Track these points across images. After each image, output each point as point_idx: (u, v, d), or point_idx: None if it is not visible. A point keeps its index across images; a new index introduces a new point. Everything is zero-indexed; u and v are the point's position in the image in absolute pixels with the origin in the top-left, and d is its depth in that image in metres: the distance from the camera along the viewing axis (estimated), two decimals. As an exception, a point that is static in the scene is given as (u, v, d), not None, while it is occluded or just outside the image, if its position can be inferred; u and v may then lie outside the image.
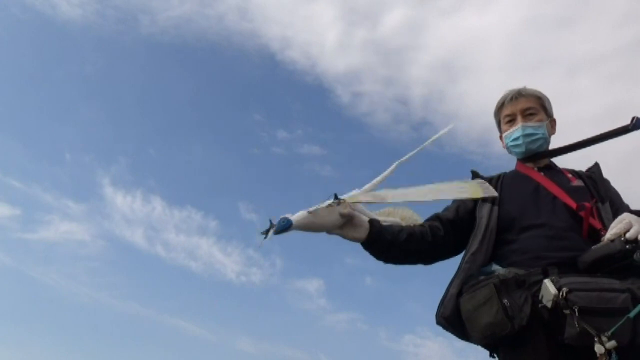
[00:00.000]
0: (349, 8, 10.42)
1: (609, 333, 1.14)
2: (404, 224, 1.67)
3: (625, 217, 1.33)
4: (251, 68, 10.91)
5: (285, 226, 1.41)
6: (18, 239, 9.99)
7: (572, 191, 1.52)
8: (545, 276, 1.30)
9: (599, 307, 1.19)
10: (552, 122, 1.72)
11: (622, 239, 1.26)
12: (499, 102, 1.75)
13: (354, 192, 1.62)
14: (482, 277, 1.40)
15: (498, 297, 1.30)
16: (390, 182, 1.76)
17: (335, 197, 1.43)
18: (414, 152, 1.78)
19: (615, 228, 1.30)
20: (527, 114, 1.66)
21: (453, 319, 1.43)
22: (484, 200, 1.60)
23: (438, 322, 1.47)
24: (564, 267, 1.34)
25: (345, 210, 1.48)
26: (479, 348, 1.43)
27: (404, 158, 1.77)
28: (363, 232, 1.48)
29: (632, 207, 1.55)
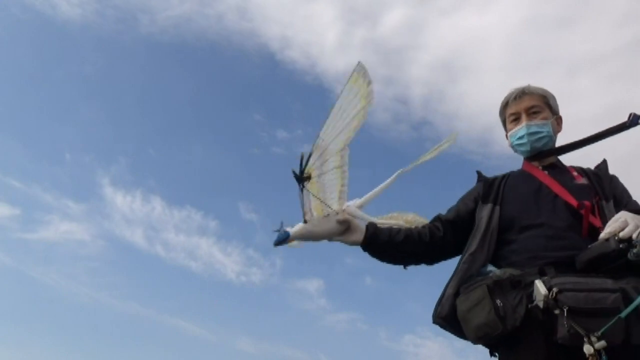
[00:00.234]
0: (348, 8, 10.41)
1: (599, 333, 1.14)
2: (409, 227, 1.70)
3: (621, 215, 1.32)
4: (251, 68, 10.91)
5: (283, 237, 1.51)
6: (18, 238, 10.00)
7: (575, 189, 1.51)
8: (542, 276, 1.31)
9: (587, 307, 1.19)
10: (558, 120, 1.71)
11: (616, 238, 1.25)
12: (503, 101, 1.75)
13: (355, 200, 1.68)
14: (478, 278, 1.42)
15: (490, 298, 1.31)
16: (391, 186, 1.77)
17: (302, 171, 1.46)
18: (416, 163, 1.80)
19: (610, 227, 1.30)
20: (531, 113, 1.66)
21: (450, 318, 1.45)
22: (486, 201, 1.60)
23: (435, 322, 1.50)
24: (562, 266, 1.34)
25: (342, 217, 1.57)
26: (479, 348, 1.44)
27: (405, 169, 1.80)
28: (360, 236, 1.58)
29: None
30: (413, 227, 1.70)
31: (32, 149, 10.85)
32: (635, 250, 1.19)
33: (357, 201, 1.72)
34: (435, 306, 1.50)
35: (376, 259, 1.63)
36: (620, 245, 1.23)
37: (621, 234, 1.25)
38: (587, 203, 1.43)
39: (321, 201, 1.56)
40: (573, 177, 1.59)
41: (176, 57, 11.25)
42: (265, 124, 10.76)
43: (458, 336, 1.48)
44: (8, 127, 10.60)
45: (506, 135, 1.76)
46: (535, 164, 1.67)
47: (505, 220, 1.53)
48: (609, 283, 1.23)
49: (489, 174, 1.75)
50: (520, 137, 1.66)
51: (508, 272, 1.38)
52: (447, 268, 1.65)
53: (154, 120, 11.47)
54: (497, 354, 1.41)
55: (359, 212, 1.68)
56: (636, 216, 1.27)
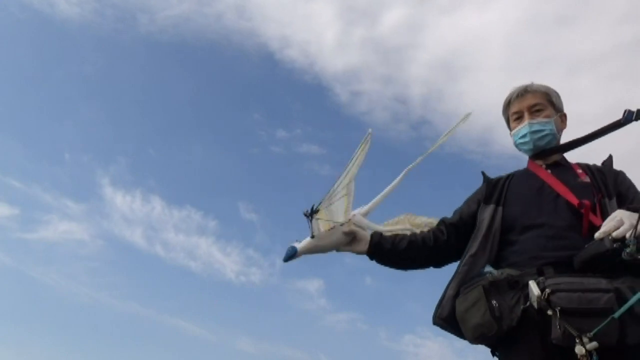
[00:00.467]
0: (347, 6, 10.38)
1: (591, 334, 1.14)
2: (417, 230, 1.74)
3: (617, 214, 1.31)
4: (250, 67, 10.88)
5: (291, 253, 1.58)
6: (17, 238, 9.98)
7: (577, 188, 1.50)
8: (541, 276, 1.31)
9: (580, 307, 1.19)
10: (562, 117, 1.69)
11: (610, 237, 1.24)
12: (506, 100, 1.74)
13: (361, 208, 1.70)
14: (475, 279, 1.43)
15: (486, 298, 1.32)
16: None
17: (311, 210, 1.56)
18: (423, 156, 1.81)
19: (605, 226, 1.29)
20: (534, 111, 1.65)
21: (450, 319, 1.46)
22: (488, 202, 1.60)
23: (435, 323, 1.51)
24: (561, 266, 1.33)
25: (348, 228, 1.62)
26: (479, 348, 1.45)
27: (411, 166, 1.80)
28: (365, 245, 1.63)
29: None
30: (419, 231, 1.72)
31: (31, 149, 10.82)
32: (628, 250, 1.18)
33: (363, 208, 1.76)
34: (436, 307, 1.51)
35: (384, 266, 1.67)
36: (614, 245, 1.22)
37: (614, 234, 1.24)
38: (586, 202, 1.42)
39: (329, 221, 1.61)
40: (577, 175, 1.57)
41: (175, 56, 11.23)
42: (264, 124, 10.74)
43: (458, 336, 1.49)
44: (7, 127, 10.58)
45: (510, 134, 1.75)
46: (539, 162, 1.66)
47: (508, 221, 1.53)
48: (603, 283, 1.22)
49: (490, 173, 1.74)
50: (523, 136, 1.65)
51: (506, 272, 1.38)
52: (447, 269, 1.66)
53: (153, 119, 11.44)
54: (497, 354, 1.41)
55: (365, 221, 1.72)
56: (633, 214, 1.26)
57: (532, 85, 1.69)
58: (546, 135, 1.63)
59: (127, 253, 10.48)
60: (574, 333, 1.16)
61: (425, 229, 1.74)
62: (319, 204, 1.56)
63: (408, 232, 1.73)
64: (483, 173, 1.74)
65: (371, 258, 1.66)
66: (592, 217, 1.40)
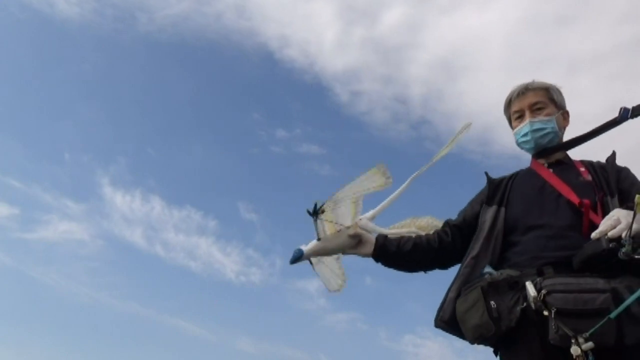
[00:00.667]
0: (347, 6, 10.38)
1: (587, 334, 1.14)
2: (423, 233, 1.76)
3: (614, 213, 1.30)
4: (250, 67, 10.88)
5: (297, 256, 1.61)
6: (17, 238, 9.99)
7: (579, 187, 1.49)
8: (540, 276, 1.31)
9: (576, 308, 1.19)
10: (565, 114, 1.67)
11: (606, 237, 1.24)
12: (507, 99, 1.73)
13: (369, 212, 1.72)
14: (475, 280, 1.43)
15: (484, 299, 1.33)
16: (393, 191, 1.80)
17: (315, 209, 1.57)
18: (430, 163, 1.82)
19: (602, 226, 1.28)
20: (535, 109, 1.64)
21: (452, 321, 1.47)
22: (490, 203, 1.60)
23: (437, 326, 1.52)
24: (560, 266, 1.33)
25: (354, 231, 1.65)
26: (479, 348, 1.46)
27: (418, 172, 1.82)
28: (371, 248, 1.66)
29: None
30: (424, 233, 1.74)
31: (31, 149, 10.85)
32: (624, 250, 1.18)
33: (369, 213, 1.79)
34: (438, 310, 1.52)
35: (390, 268, 1.69)
36: (610, 245, 1.22)
37: (610, 234, 1.24)
38: (586, 201, 1.41)
39: (335, 223, 1.64)
40: (579, 174, 1.56)
41: (175, 56, 11.25)
42: (264, 123, 10.75)
43: (461, 338, 1.49)
44: (7, 127, 10.60)
45: (512, 133, 1.74)
46: (542, 161, 1.65)
47: (510, 222, 1.53)
48: (600, 283, 1.22)
49: (490, 173, 1.73)
50: (525, 135, 1.64)
51: (505, 273, 1.39)
52: (449, 269, 1.66)
53: (153, 119, 11.47)
54: (499, 354, 1.41)
55: (371, 225, 1.74)
56: (630, 213, 1.24)
57: (532, 83, 1.68)
58: (548, 133, 1.62)
59: (127, 253, 10.50)
60: (570, 333, 1.16)
61: (431, 231, 1.75)
62: (323, 204, 1.58)
63: (413, 235, 1.74)
64: (486, 174, 1.73)
65: (377, 261, 1.68)
66: (592, 216, 1.40)
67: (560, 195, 1.49)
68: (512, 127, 1.72)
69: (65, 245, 10.35)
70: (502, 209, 1.57)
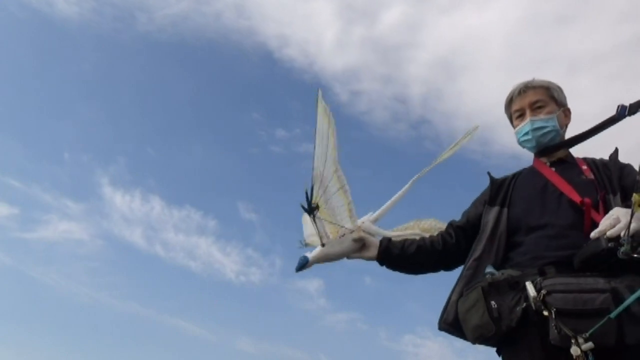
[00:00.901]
0: (346, 5, 10.36)
1: (587, 335, 1.14)
2: (426, 235, 1.76)
3: (614, 212, 1.29)
4: (249, 66, 10.87)
5: (303, 263, 1.62)
6: (17, 238, 9.99)
7: (581, 185, 1.48)
8: (542, 276, 1.31)
9: (575, 308, 1.18)
10: (566, 112, 1.66)
11: (605, 236, 1.24)
12: (507, 97, 1.72)
13: (370, 215, 1.72)
14: (476, 280, 1.43)
15: (485, 299, 1.33)
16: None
17: (308, 202, 1.55)
18: (434, 164, 1.82)
19: (601, 225, 1.28)
20: (536, 107, 1.63)
21: (456, 323, 1.47)
22: (492, 204, 1.59)
23: (441, 328, 1.52)
24: (562, 266, 1.33)
25: (357, 235, 1.65)
26: (479, 348, 1.46)
27: (420, 174, 1.82)
28: (375, 251, 1.66)
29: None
30: (428, 235, 1.74)
31: (30, 149, 10.84)
32: (623, 249, 1.17)
33: (372, 215, 1.79)
34: (441, 313, 1.52)
35: (395, 271, 1.70)
36: (609, 244, 1.21)
37: (608, 233, 1.23)
38: (587, 200, 1.41)
39: (335, 224, 1.65)
40: (581, 172, 1.55)
41: (174, 55, 11.23)
42: (263, 123, 10.73)
43: (465, 339, 1.49)
44: (7, 127, 10.59)
45: (514, 132, 1.73)
46: (544, 160, 1.64)
47: (513, 223, 1.52)
48: (600, 283, 1.21)
49: (492, 173, 1.72)
50: (526, 134, 1.64)
51: (506, 273, 1.38)
52: (452, 271, 1.66)
53: (152, 119, 11.45)
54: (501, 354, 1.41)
55: (374, 228, 1.76)
56: (629, 211, 1.23)
57: (533, 81, 1.67)
58: (549, 131, 1.61)
59: (126, 253, 10.50)
60: (570, 334, 1.16)
61: (435, 233, 1.74)
62: (312, 192, 1.55)
63: (417, 237, 1.74)
64: (489, 173, 1.72)
65: (381, 264, 1.69)
66: (594, 214, 1.39)
67: (562, 194, 1.49)
68: (513, 126, 1.71)
69: (65, 245, 10.35)
70: (505, 210, 1.56)
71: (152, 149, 11.00)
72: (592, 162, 1.58)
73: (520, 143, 1.69)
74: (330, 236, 1.64)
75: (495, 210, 1.57)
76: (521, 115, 1.66)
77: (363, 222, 1.73)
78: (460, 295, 1.46)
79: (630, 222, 1.18)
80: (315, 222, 1.58)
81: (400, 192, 1.80)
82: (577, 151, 1.66)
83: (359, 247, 1.67)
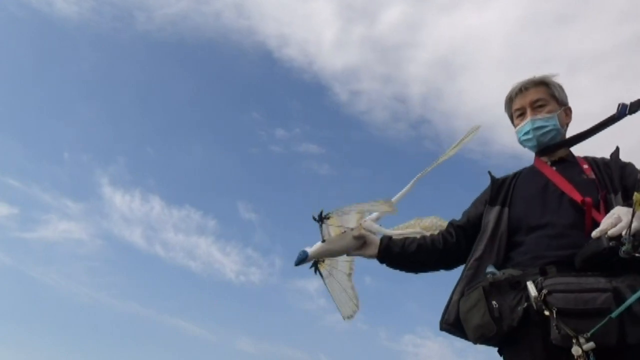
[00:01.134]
0: (346, 5, 10.35)
1: (588, 334, 1.14)
2: (427, 233, 1.76)
3: (615, 211, 1.29)
4: (249, 66, 10.85)
5: (302, 257, 1.62)
6: (17, 238, 9.99)
7: (582, 184, 1.48)
8: (543, 275, 1.30)
9: (577, 308, 1.18)
10: (567, 111, 1.65)
11: (606, 235, 1.23)
12: (507, 96, 1.72)
13: (373, 213, 1.72)
14: (477, 280, 1.43)
15: (486, 299, 1.33)
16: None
17: (320, 215, 1.58)
18: (436, 163, 1.82)
19: (603, 224, 1.27)
20: (536, 106, 1.62)
21: (457, 323, 1.47)
22: (493, 203, 1.59)
23: (442, 329, 1.52)
24: (562, 266, 1.32)
25: (357, 232, 1.65)
26: (479, 347, 1.45)
27: (422, 173, 1.82)
28: (375, 249, 1.66)
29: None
30: (429, 234, 1.74)
31: (30, 148, 10.83)
32: (624, 248, 1.17)
33: (374, 214, 1.78)
34: (442, 313, 1.52)
35: (395, 269, 1.70)
36: (611, 244, 1.21)
37: (609, 232, 1.23)
38: (588, 199, 1.40)
39: (340, 226, 1.64)
40: (582, 171, 1.54)
41: (174, 55, 11.23)
42: (263, 123, 10.72)
43: (467, 340, 1.48)
44: (6, 127, 10.59)
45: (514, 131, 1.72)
46: (545, 159, 1.64)
47: (514, 222, 1.52)
48: (602, 282, 1.21)
49: (494, 172, 1.72)
50: (526, 133, 1.63)
51: (507, 272, 1.38)
52: (452, 270, 1.65)
53: (152, 119, 11.44)
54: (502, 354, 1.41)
55: (375, 226, 1.74)
56: (630, 210, 1.23)
57: (533, 79, 1.66)
58: (550, 130, 1.60)
59: (126, 253, 10.49)
60: (571, 333, 1.15)
61: (436, 232, 1.74)
62: (329, 212, 1.58)
63: (418, 236, 1.74)
64: (490, 173, 1.72)
65: (381, 262, 1.68)
66: (595, 214, 1.38)
67: (563, 193, 1.48)
68: (514, 125, 1.71)
69: (65, 244, 10.35)
70: (506, 209, 1.55)
71: (151, 148, 11.00)
72: (593, 162, 1.58)
73: (521, 142, 1.68)
74: (332, 234, 1.64)
75: (496, 209, 1.57)
76: (522, 114, 1.66)
77: (365, 221, 1.72)
78: (462, 295, 1.46)
79: (631, 221, 1.18)
80: (321, 228, 1.59)
81: (401, 192, 1.80)
82: (578, 150, 1.66)
83: (360, 244, 1.67)
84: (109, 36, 10.50)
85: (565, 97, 1.67)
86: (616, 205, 1.36)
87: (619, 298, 1.17)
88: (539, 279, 1.28)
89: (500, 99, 1.76)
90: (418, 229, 1.77)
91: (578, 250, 1.31)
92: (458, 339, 1.51)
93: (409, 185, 1.80)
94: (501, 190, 1.62)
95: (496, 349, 1.43)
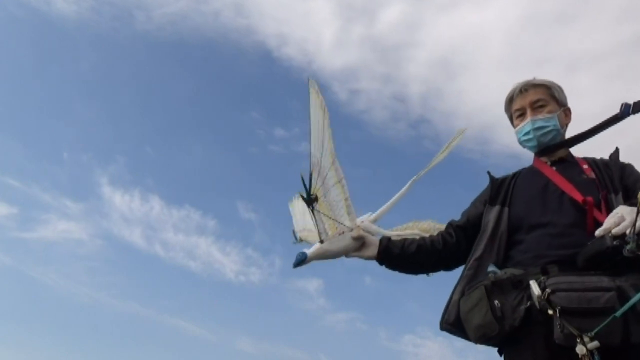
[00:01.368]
0: (345, 4, 10.34)
1: (592, 333, 1.13)
2: (426, 235, 1.75)
3: (618, 210, 1.29)
4: (248, 65, 10.83)
5: (301, 259, 1.60)
6: (16, 238, 9.97)
7: (582, 184, 1.48)
8: (545, 275, 1.30)
9: (580, 307, 1.17)
10: (566, 111, 1.66)
11: (610, 234, 1.23)
12: (507, 96, 1.72)
13: (370, 215, 1.71)
14: (479, 279, 1.42)
15: (488, 298, 1.32)
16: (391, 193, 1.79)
17: (308, 193, 1.49)
18: (429, 167, 1.82)
19: (606, 223, 1.27)
20: (536, 107, 1.62)
21: (458, 323, 1.46)
22: (493, 203, 1.58)
23: (442, 328, 1.51)
24: (564, 265, 1.32)
25: (356, 233, 1.63)
26: (479, 347, 1.45)
27: (417, 176, 1.81)
28: (375, 250, 1.64)
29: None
30: (428, 235, 1.73)
31: (29, 148, 10.80)
32: (628, 247, 1.17)
33: (372, 215, 1.77)
34: (442, 313, 1.51)
35: (394, 271, 1.68)
36: (615, 242, 1.21)
37: (614, 231, 1.22)
38: (589, 199, 1.40)
39: (334, 220, 1.61)
40: (582, 171, 1.54)
41: (173, 54, 11.20)
42: (262, 122, 10.70)
43: (467, 339, 1.47)
44: (6, 127, 10.57)
45: (514, 131, 1.72)
46: (544, 159, 1.64)
47: (514, 222, 1.51)
48: (605, 281, 1.21)
49: (493, 172, 1.71)
50: (527, 133, 1.63)
51: (509, 272, 1.37)
52: (452, 271, 1.65)
53: (151, 118, 11.41)
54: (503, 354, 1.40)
55: (374, 227, 1.74)
56: (634, 209, 1.23)
57: (533, 80, 1.67)
58: (550, 131, 1.60)
59: (126, 253, 10.46)
60: (575, 332, 1.15)
61: (434, 233, 1.73)
62: (310, 180, 1.49)
63: (417, 237, 1.73)
64: (489, 173, 1.72)
65: (380, 263, 1.67)
66: (596, 213, 1.38)
67: (563, 193, 1.48)
68: (514, 126, 1.71)
69: (64, 244, 10.33)
70: (506, 209, 1.55)
71: (151, 148, 10.97)
72: (592, 162, 1.58)
73: (521, 142, 1.68)
74: (329, 233, 1.62)
75: (496, 209, 1.56)
76: (522, 115, 1.66)
77: (362, 222, 1.71)
78: (462, 294, 1.45)
79: (636, 220, 1.18)
80: (314, 216, 1.54)
81: (398, 194, 1.80)
82: (577, 151, 1.66)
83: (359, 245, 1.66)
84: (108, 36, 10.47)
85: (565, 97, 1.67)
86: (617, 205, 1.36)
87: (623, 297, 1.17)
88: (542, 278, 1.27)
89: (500, 99, 1.76)
90: (416, 231, 1.77)
91: (579, 250, 1.31)
92: (458, 338, 1.50)
93: (406, 187, 1.80)
94: (501, 190, 1.62)
95: (496, 349, 1.42)
